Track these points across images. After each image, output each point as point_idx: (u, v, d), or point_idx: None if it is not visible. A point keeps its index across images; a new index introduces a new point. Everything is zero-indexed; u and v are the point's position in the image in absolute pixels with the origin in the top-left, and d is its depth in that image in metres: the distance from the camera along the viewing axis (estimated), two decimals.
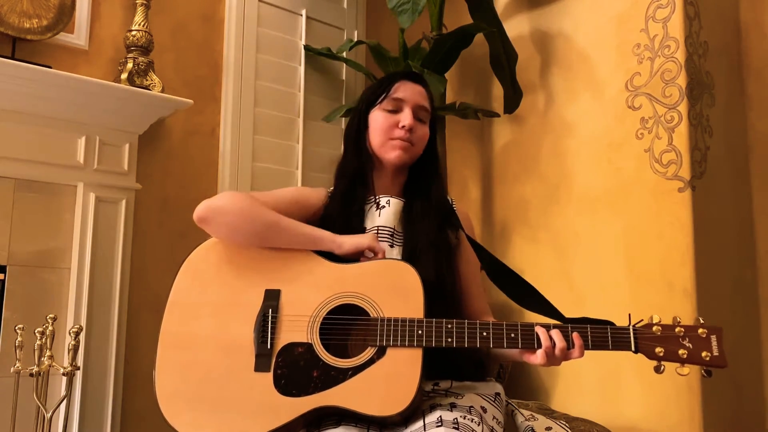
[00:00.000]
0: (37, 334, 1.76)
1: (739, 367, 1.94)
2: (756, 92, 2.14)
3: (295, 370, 1.15)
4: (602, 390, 2.00)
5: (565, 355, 1.10)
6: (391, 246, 1.30)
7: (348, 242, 1.22)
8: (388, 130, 1.33)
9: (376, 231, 1.30)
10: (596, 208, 2.11)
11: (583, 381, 2.05)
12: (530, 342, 1.12)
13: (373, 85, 1.40)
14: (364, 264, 1.21)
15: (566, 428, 1.39)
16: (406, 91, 1.34)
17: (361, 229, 1.31)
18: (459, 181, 2.58)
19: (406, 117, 1.32)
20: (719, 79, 2.06)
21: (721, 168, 2.01)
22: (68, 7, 2.04)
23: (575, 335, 1.10)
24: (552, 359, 1.10)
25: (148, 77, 2.18)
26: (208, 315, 1.22)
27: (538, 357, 1.10)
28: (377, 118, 1.35)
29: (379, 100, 1.35)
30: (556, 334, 1.10)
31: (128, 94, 2.06)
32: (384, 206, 1.34)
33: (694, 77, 1.95)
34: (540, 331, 1.11)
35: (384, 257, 1.23)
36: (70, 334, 1.77)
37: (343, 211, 1.33)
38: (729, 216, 2.04)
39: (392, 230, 1.32)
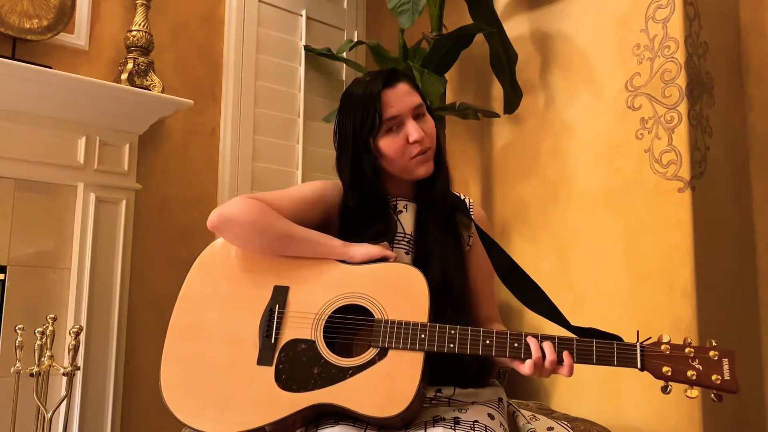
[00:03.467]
0: (37, 334, 1.76)
1: (739, 368, 1.94)
2: (756, 92, 2.14)
3: (296, 366, 1.15)
4: (602, 390, 2.00)
5: (555, 369, 1.09)
6: (407, 253, 1.28)
7: (358, 254, 1.21)
8: (403, 153, 1.25)
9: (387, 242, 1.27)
10: (596, 208, 2.11)
11: (583, 381, 2.05)
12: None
13: (356, 110, 1.26)
14: (372, 266, 1.21)
15: (568, 428, 1.38)
16: (392, 102, 1.24)
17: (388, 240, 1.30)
18: (459, 181, 2.58)
19: (412, 131, 1.24)
20: (719, 79, 2.06)
21: (721, 168, 2.01)
22: (68, 7, 2.04)
23: (565, 354, 1.08)
24: (540, 371, 1.09)
25: (148, 77, 2.18)
26: (216, 308, 1.24)
27: (525, 367, 1.09)
28: (385, 146, 1.25)
29: (375, 127, 1.24)
30: (547, 346, 1.09)
31: (128, 94, 2.06)
32: (401, 211, 1.32)
33: (694, 77, 1.95)
34: (531, 342, 1.10)
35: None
36: (70, 334, 1.77)
37: (361, 221, 1.29)
38: (729, 216, 2.04)
39: (409, 237, 1.30)
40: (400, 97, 1.25)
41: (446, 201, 1.33)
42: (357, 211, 1.30)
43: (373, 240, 1.25)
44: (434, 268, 1.22)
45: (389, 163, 1.28)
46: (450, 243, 1.29)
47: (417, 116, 1.27)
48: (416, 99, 1.27)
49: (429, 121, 1.30)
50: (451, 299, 1.22)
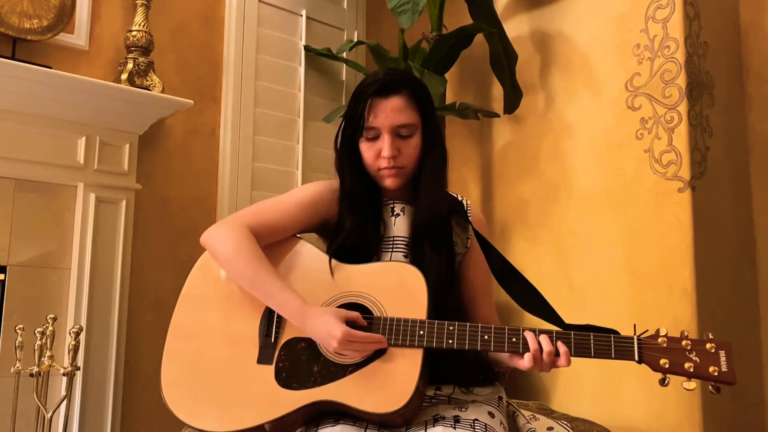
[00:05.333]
0: (37, 335, 1.76)
1: (739, 368, 1.94)
2: (756, 92, 2.14)
3: (296, 364, 1.16)
4: (602, 390, 2.00)
5: (553, 362, 1.09)
6: (406, 256, 1.28)
7: (308, 330, 1.17)
8: (374, 162, 1.27)
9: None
10: (596, 208, 2.11)
11: (583, 381, 2.05)
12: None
13: (349, 105, 1.29)
14: (371, 265, 1.23)
15: (568, 428, 1.38)
16: (378, 113, 1.24)
17: (378, 239, 1.30)
18: (459, 181, 2.58)
19: (385, 147, 1.24)
20: (719, 80, 2.06)
21: (721, 168, 2.01)
22: (68, 7, 2.04)
23: (559, 343, 1.09)
24: (540, 364, 1.09)
25: (148, 77, 2.18)
26: (217, 308, 1.25)
27: (525, 361, 1.09)
28: (363, 149, 1.28)
29: (358, 129, 1.26)
30: (544, 338, 1.10)
31: (128, 94, 2.06)
32: (399, 214, 1.32)
33: (694, 77, 1.95)
34: (528, 335, 1.11)
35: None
36: (70, 334, 1.77)
37: (358, 223, 1.29)
38: (729, 216, 2.04)
39: (407, 240, 1.29)
40: (386, 111, 1.24)
41: (437, 204, 1.30)
42: (346, 198, 1.31)
43: (355, 234, 1.26)
44: (429, 275, 1.20)
45: (366, 166, 1.30)
46: (444, 248, 1.28)
47: (399, 134, 1.26)
48: (404, 118, 1.25)
49: (412, 143, 1.27)
50: (445, 307, 1.21)
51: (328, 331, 1.12)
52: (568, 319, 1.18)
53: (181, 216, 2.33)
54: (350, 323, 1.14)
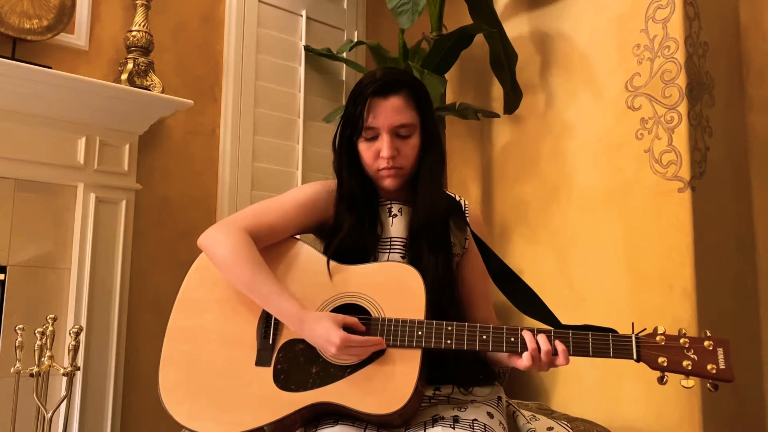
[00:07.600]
0: (37, 335, 1.76)
1: (739, 368, 1.94)
2: (756, 92, 2.14)
3: (294, 366, 1.16)
4: (602, 390, 2.00)
5: (551, 361, 1.09)
6: (404, 257, 1.28)
7: (306, 334, 1.16)
8: (373, 162, 1.27)
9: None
10: (596, 208, 2.11)
11: (583, 381, 2.05)
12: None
13: (347, 106, 1.29)
14: (368, 265, 1.23)
15: (567, 428, 1.38)
16: (377, 112, 1.24)
17: (375, 240, 1.29)
18: (459, 181, 2.58)
19: (384, 147, 1.24)
20: (719, 80, 2.06)
21: (721, 168, 2.01)
22: (68, 7, 2.04)
23: (557, 342, 1.09)
24: (538, 363, 1.09)
25: (148, 78, 2.18)
26: (214, 310, 1.25)
27: (523, 360, 1.09)
28: (361, 150, 1.28)
29: (357, 129, 1.26)
30: (541, 338, 1.10)
31: (128, 94, 2.06)
32: (396, 215, 1.32)
33: (693, 78, 1.95)
34: (526, 335, 1.11)
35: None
36: (70, 334, 1.77)
37: (356, 224, 1.29)
38: (729, 216, 2.04)
39: (404, 240, 1.29)
40: (386, 112, 1.24)
41: (435, 205, 1.30)
42: (344, 198, 1.30)
43: (353, 237, 1.25)
44: (426, 275, 1.20)
45: (364, 166, 1.29)
46: (441, 249, 1.28)
47: (398, 133, 1.26)
48: (403, 118, 1.24)
49: (410, 143, 1.27)
50: (442, 307, 1.21)
51: (326, 337, 1.12)
52: (568, 320, 1.18)
53: (181, 216, 2.33)
54: (348, 328, 1.14)
